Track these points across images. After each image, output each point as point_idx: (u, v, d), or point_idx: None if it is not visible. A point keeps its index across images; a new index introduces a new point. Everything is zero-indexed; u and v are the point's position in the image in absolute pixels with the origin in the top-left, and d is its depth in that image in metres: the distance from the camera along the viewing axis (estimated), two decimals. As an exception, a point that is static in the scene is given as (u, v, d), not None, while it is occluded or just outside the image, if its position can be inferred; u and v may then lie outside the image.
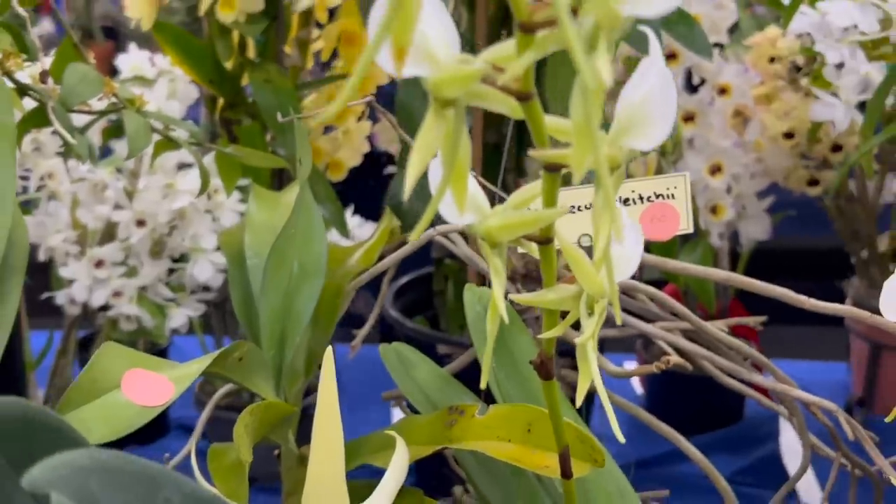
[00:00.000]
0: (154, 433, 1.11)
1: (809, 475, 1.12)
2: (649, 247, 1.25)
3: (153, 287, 0.99)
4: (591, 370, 0.35)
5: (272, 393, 0.63)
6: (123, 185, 0.97)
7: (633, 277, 0.61)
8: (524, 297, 0.36)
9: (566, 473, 0.45)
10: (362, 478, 0.59)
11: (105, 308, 0.98)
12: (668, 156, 1.23)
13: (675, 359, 0.60)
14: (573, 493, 0.45)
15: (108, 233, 0.99)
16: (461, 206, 0.30)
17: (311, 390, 1.14)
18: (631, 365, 1.48)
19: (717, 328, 0.70)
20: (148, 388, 0.49)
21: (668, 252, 1.20)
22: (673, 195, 0.63)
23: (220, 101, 1.03)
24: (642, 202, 0.63)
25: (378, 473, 0.62)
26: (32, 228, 0.98)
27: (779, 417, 1.24)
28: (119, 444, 0.41)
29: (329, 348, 0.48)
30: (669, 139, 1.23)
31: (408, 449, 0.57)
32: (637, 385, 1.49)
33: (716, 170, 1.21)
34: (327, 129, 1.13)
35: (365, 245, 0.78)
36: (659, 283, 0.99)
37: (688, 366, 0.63)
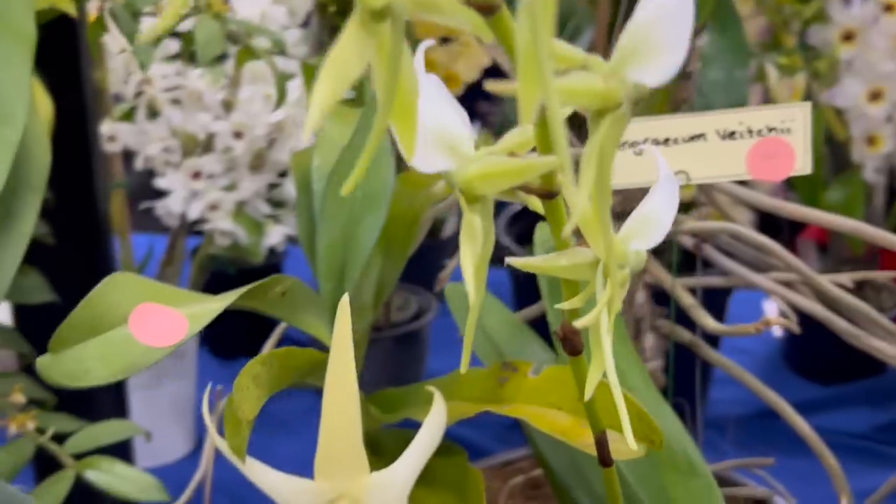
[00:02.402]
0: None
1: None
2: (793, 180, 1.14)
3: (252, 202, 0.96)
4: (603, 357, 0.28)
5: (326, 331, 0.58)
6: (223, 94, 0.93)
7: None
8: (529, 262, 0.29)
9: (604, 460, 0.38)
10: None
11: (202, 221, 0.95)
12: (822, 79, 1.11)
13: (774, 319, 0.52)
14: (615, 481, 0.39)
15: (208, 144, 0.95)
16: (408, 148, 0.23)
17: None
18: (770, 307, 1.38)
19: (839, 282, 0.60)
20: (159, 325, 0.45)
21: (813, 187, 1.09)
22: (789, 129, 0.54)
23: (331, 7, 0.97)
24: (751, 136, 0.54)
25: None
26: (132, 136, 0.96)
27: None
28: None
29: (346, 297, 0.42)
30: (824, 59, 1.10)
31: (453, 406, 0.51)
32: (776, 328, 1.38)
33: (875, 96, 1.08)
34: (444, 40, 1.06)
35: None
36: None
37: (794, 327, 0.54)
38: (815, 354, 1.24)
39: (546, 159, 0.25)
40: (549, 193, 0.27)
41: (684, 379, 0.69)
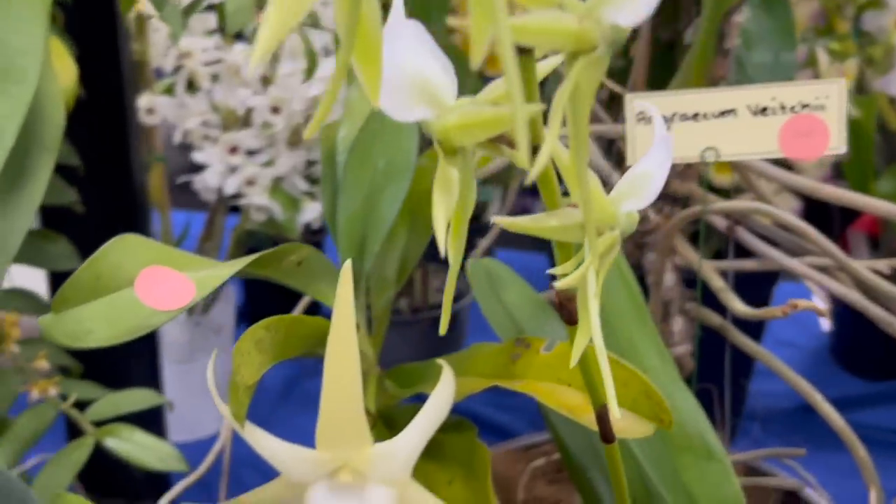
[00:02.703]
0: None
1: None
2: (843, 169, 1.11)
3: (289, 178, 0.96)
4: (590, 322, 0.27)
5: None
6: (262, 69, 0.93)
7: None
8: (516, 221, 0.28)
9: (605, 436, 0.37)
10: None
11: (239, 196, 0.95)
12: (876, 66, 1.07)
13: (804, 303, 0.50)
14: (617, 458, 0.37)
15: (246, 119, 0.95)
16: (373, 91, 0.22)
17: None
18: (815, 300, 1.34)
19: (877, 268, 0.58)
20: (165, 288, 0.44)
21: (864, 177, 1.06)
22: (823, 106, 0.52)
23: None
24: (784, 112, 0.52)
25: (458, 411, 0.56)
26: (171, 110, 0.96)
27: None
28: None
29: (348, 263, 0.41)
30: (879, 45, 1.07)
31: (464, 381, 0.50)
32: (824, 322, 1.35)
33: (933, 84, 1.04)
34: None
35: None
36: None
37: (824, 313, 0.52)
38: (861, 350, 1.21)
39: (528, 107, 0.23)
40: (532, 148, 0.26)
41: (716, 365, 0.67)
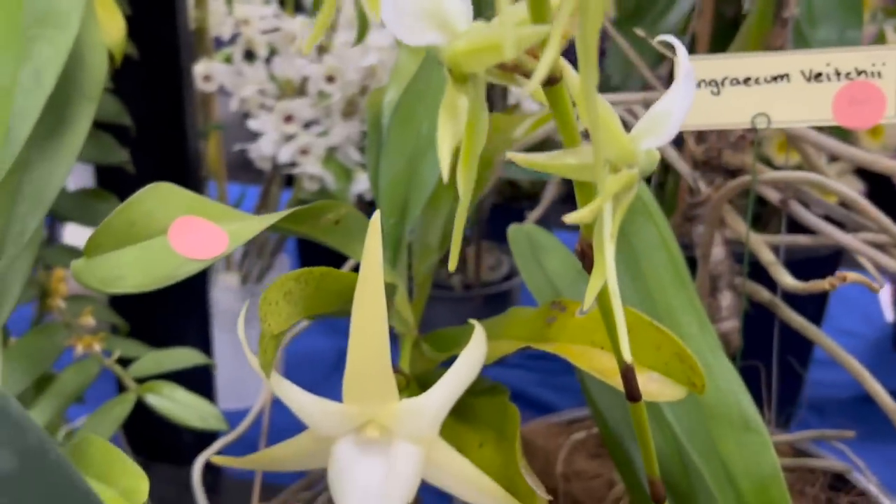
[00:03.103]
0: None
1: None
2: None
3: (342, 148, 0.95)
4: (605, 264, 0.26)
5: (385, 266, 0.57)
6: (320, 38, 0.93)
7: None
8: (532, 158, 0.27)
9: (631, 395, 0.36)
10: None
11: (293, 165, 0.95)
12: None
13: (853, 276, 0.49)
14: (643, 419, 0.36)
15: (302, 88, 0.95)
16: (372, 2, 0.21)
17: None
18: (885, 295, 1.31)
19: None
20: (199, 238, 0.44)
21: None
22: (880, 73, 0.51)
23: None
24: (838, 79, 0.51)
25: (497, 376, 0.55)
26: (228, 77, 0.96)
27: None
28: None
29: (377, 215, 0.41)
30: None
31: (497, 344, 0.49)
32: (887, 309, 1.32)
33: None
34: None
35: (538, 115, 0.70)
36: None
37: (876, 288, 0.50)
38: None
39: (536, 29, 0.23)
40: (549, 79, 0.25)
41: (765, 344, 0.65)
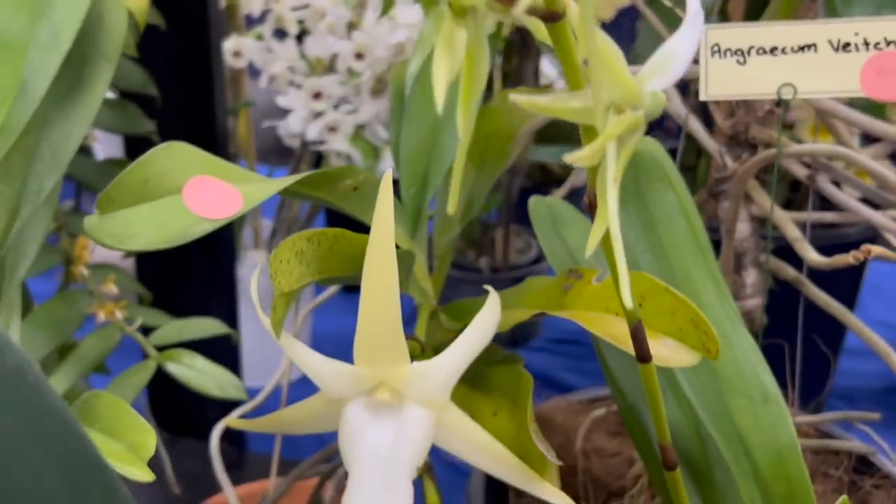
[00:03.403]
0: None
1: None
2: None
3: (370, 126, 0.95)
4: (607, 208, 0.26)
5: (404, 236, 0.57)
6: (349, 15, 0.93)
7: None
8: (534, 100, 0.26)
9: (642, 356, 0.35)
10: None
11: (321, 143, 0.95)
12: None
13: (878, 249, 0.48)
14: (654, 381, 0.36)
15: (331, 65, 0.95)
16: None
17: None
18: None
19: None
20: (213, 197, 0.44)
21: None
22: (911, 43, 0.49)
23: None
24: (867, 49, 0.50)
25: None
26: (257, 53, 0.96)
27: None
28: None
29: (389, 173, 0.40)
30: None
31: (512, 312, 0.49)
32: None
33: None
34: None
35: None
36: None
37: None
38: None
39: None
40: (550, 15, 0.24)
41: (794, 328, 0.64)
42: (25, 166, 0.46)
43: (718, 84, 0.52)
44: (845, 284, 1.03)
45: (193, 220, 0.43)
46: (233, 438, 1.04)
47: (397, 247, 0.55)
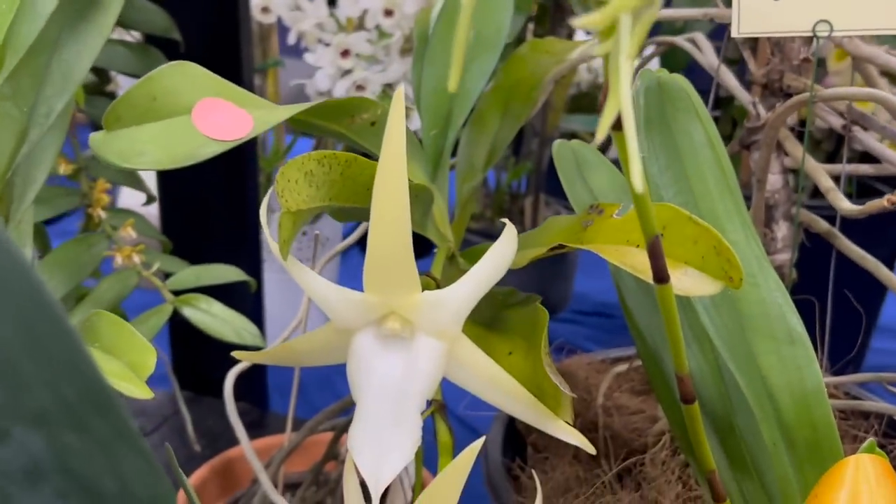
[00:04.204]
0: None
1: None
2: None
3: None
4: (619, 89, 0.24)
5: (424, 177, 0.56)
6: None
7: None
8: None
9: (659, 275, 0.34)
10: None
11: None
12: None
13: (914, 193, 0.46)
14: (671, 304, 0.34)
15: (360, 23, 0.94)
16: None
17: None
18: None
19: None
20: (223, 119, 0.43)
21: None
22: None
23: None
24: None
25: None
26: (286, 10, 0.95)
27: None
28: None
29: (401, 87, 0.39)
30: None
31: (529, 251, 0.47)
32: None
33: None
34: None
35: (590, 41, 0.67)
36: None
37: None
38: None
39: None
40: None
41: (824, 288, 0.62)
42: (36, 88, 0.45)
43: (751, 21, 0.50)
44: (880, 256, 1.01)
45: (202, 140, 0.42)
46: (255, 399, 1.03)
47: (415, 183, 0.53)
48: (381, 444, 0.40)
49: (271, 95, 1.03)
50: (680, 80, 0.45)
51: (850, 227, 0.58)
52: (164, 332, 0.98)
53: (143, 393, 0.36)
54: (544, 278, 1.21)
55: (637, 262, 0.40)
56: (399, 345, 0.42)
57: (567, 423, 0.41)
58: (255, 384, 1.04)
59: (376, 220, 0.39)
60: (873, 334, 1.08)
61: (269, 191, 0.44)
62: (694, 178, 0.44)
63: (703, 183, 0.44)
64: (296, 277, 0.41)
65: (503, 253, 0.41)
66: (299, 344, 0.45)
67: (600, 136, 0.24)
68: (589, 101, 1.29)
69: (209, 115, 0.42)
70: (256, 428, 0.96)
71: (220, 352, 0.64)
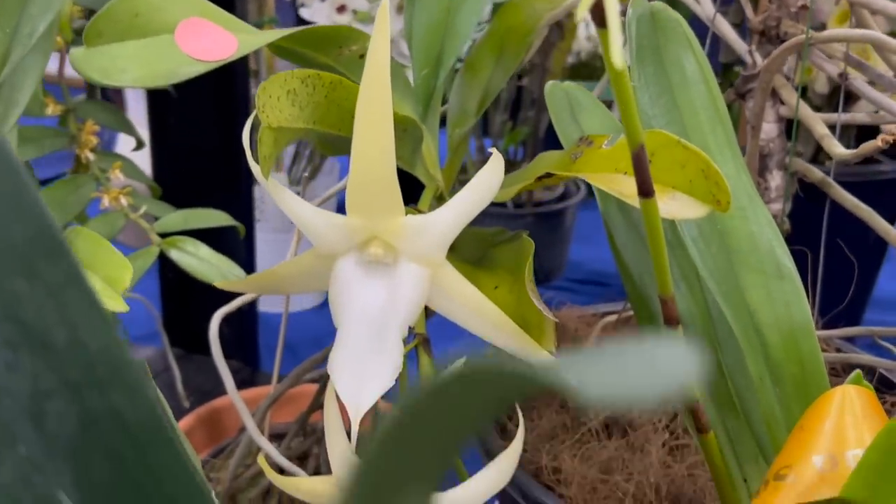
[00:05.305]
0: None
1: None
2: None
3: (395, 42, 0.93)
4: (614, 25, 0.23)
5: (413, 114, 0.55)
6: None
7: None
8: None
9: (644, 188, 0.33)
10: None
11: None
12: None
13: (908, 131, 0.45)
14: (656, 220, 0.33)
15: (357, -21, 0.93)
16: None
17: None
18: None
19: None
20: (207, 40, 0.42)
21: None
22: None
23: None
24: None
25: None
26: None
27: None
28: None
29: (386, 2, 0.38)
30: None
31: (519, 185, 0.47)
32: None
33: None
34: None
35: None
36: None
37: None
38: None
39: None
40: None
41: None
42: (18, 8, 0.44)
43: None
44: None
45: (184, 59, 0.41)
46: (246, 358, 1.03)
47: (401, 115, 0.52)
48: (361, 370, 0.40)
49: (267, 55, 1.02)
50: (672, 12, 0.45)
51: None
52: (155, 289, 0.98)
53: (118, 306, 0.35)
54: (538, 246, 1.20)
55: (625, 188, 0.39)
56: (382, 271, 0.41)
57: (550, 352, 0.41)
58: (246, 343, 1.03)
59: (359, 139, 0.38)
60: (867, 307, 1.07)
61: (253, 113, 0.43)
62: (685, 110, 0.43)
63: (695, 115, 0.43)
64: (277, 200, 0.41)
65: (489, 180, 0.41)
66: (282, 269, 0.44)
67: (580, 14, 0.24)
68: (589, 70, 1.28)
69: (192, 35, 0.42)
70: (247, 385, 0.96)
71: (211, 309, 0.63)
